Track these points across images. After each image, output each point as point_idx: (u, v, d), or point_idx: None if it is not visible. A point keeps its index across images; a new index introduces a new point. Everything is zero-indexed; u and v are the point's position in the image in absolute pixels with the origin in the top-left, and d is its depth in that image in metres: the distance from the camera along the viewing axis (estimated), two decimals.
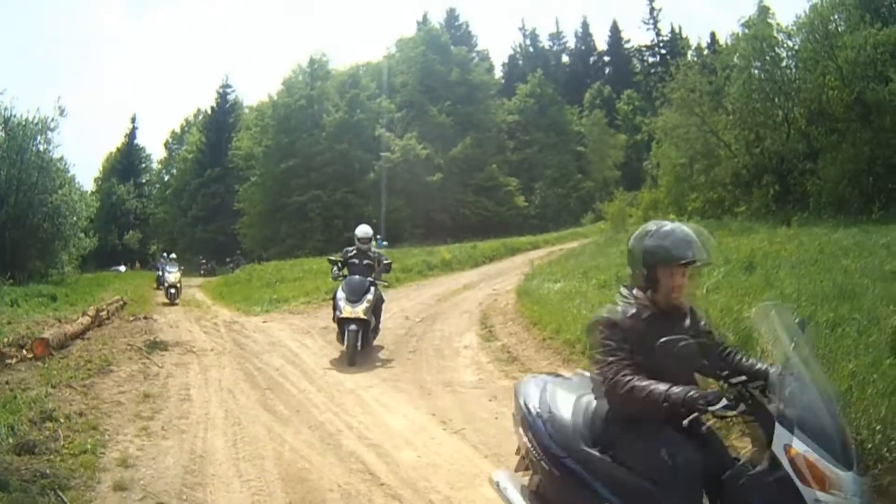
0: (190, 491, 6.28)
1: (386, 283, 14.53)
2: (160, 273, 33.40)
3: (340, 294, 12.58)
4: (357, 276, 12.75)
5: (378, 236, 52.72)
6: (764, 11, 33.85)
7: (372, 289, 12.64)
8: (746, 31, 32.74)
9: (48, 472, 6.16)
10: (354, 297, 12.33)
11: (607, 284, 14.28)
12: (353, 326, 12.04)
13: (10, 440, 6.96)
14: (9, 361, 11.37)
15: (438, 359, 12.01)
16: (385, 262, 13.79)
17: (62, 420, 7.91)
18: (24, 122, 38.52)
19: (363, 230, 13.56)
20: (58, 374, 10.45)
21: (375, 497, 6.19)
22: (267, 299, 23.01)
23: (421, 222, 60.34)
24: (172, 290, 26.96)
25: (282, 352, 13.34)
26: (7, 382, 9.93)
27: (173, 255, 31.84)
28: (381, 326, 13.50)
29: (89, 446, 7.12)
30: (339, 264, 13.35)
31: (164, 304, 25.33)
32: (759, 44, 30.99)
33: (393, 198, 59.61)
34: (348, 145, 61.34)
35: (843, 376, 6.46)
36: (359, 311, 12.19)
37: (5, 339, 13.59)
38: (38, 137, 39.16)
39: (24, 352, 12.15)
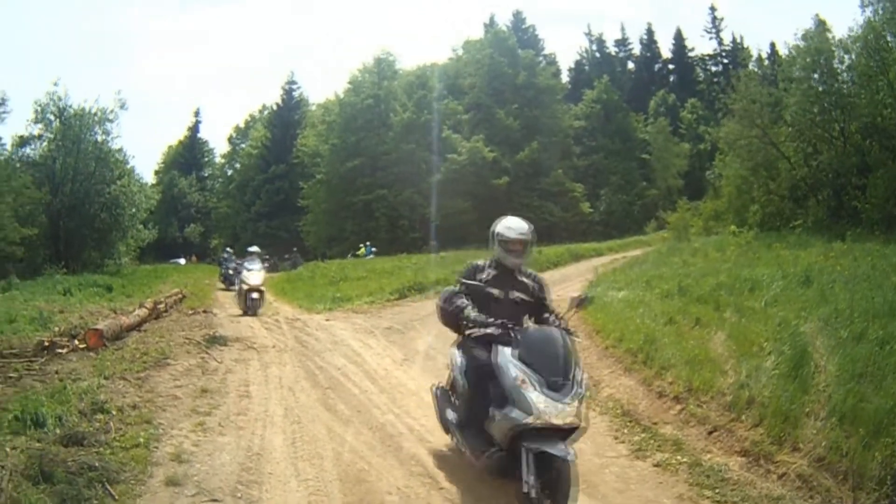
0: (245, 489, 6.30)
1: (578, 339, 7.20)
2: (225, 270, 34.39)
3: (512, 379, 5.75)
4: (537, 333, 6.17)
5: (367, 242, 52.74)
6: (821, 24, 33.94)
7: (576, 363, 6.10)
8: (804, 43, 32.53)
9: (97, 464, 6.17)
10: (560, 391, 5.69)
11: (670, 294, 14.12)
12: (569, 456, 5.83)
13: (58, 431, 6.98)
14: (59, 351, 11.44)
15: None
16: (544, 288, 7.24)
17: (114, 412, 7.95)
18: (80, 113, 39.16)
19: (519, 226, 6.92)
20: (111, 366, 10.51)
21: (434, 501, 6.21)
22: (330, 297, 23.17)
23: (486, 225, 58.61)
24: (255, 296, 20.60)
25: (344, 351, 13.25)
26: (57, 372, 9.99)
27: (255, 248, 23.32)
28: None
29: (142, 440, 7.15)
30: (464, 294, 6.79)
31: (238, 315, 20.44)
32: (816, 57, 30.76)
33: (458, 200, 59.38)
34: (415, 146, 61.40)
35: (889, 394, 6.76)
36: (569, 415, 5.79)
37: (56, 329, 13.77)
38: (97, 128, 39.87)
39: (77, 342, 12.23)
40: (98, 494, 5.76)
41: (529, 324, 6.61)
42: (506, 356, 5.91)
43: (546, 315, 6.82)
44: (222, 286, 33.72)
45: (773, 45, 68.15)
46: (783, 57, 41.45)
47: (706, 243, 28.02)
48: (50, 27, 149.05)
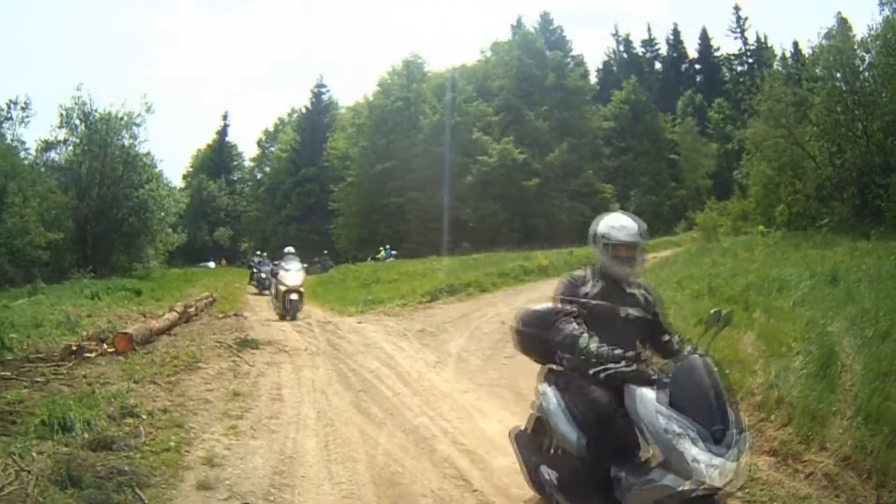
0: (278, 492, 6.27)
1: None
2: (258, 273, 34.46)
3: (663, 432, 4.52)
4: (684, 368, 4.78)
5: (387, 246, 52.80)
6: (843, 23, 33.81)
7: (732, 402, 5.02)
8: (827, 42, 32.42)
9: (126, 468, 6.15)
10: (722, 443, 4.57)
11: (701, 295, 14.10)
12: None
13: (86, 435, 7.00)
14: (88, 355, 11.45)
15: (534, 365, 11.71)
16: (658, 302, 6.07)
17: (144, 416, 7.98)
18: (106, 117, 39.26)
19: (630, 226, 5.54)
20: (141, 370, 10.56)
21: (468, 503, 6.21)
22: (361, 300, 23.21)
23: (517, 227, 60.58)
24: (293, 297, 19.94)
25: (376, 354, 13.30)
26: (85, 376, 9.99)
27: (291, 249, 22.86)
28: (478, 331, 13.43)
29: (173, 444, 7.13)
30: (573, 317, 5.34)
31: (273, 319, 20.26)
32: (839, 56, 30.63)
33: (489, 202, 60.06)
34: (445, 148, 61.21)
35: None
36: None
37: (84, 333, 13.84)
38: (124, 132, 39.92)
39: (105, 346, 12.22)
40: (128, 499, 5.71)
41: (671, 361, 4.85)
42: (648, 402, 4.53)
43: (667, 337, 5.34)
44: (255, 290, 33.69)
45: (796, 45, 68.12)
46: (806, 56, 41.53)
47: (735, 243, 28.03)
48: (75, 31, 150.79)
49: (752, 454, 6.16)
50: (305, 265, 23.53)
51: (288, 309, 19.81)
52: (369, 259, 50.90)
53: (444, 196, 57.79)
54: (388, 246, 52.65)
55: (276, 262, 23.52)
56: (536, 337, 5.73)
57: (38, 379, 9.63)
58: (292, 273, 20.68)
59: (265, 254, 38.78)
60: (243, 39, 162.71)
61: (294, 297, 20.06)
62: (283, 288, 20.31)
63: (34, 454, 6.27)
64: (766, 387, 7.81)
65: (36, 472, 5.79)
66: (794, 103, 32.21)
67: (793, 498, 6.03)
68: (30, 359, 11.00)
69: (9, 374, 9.75)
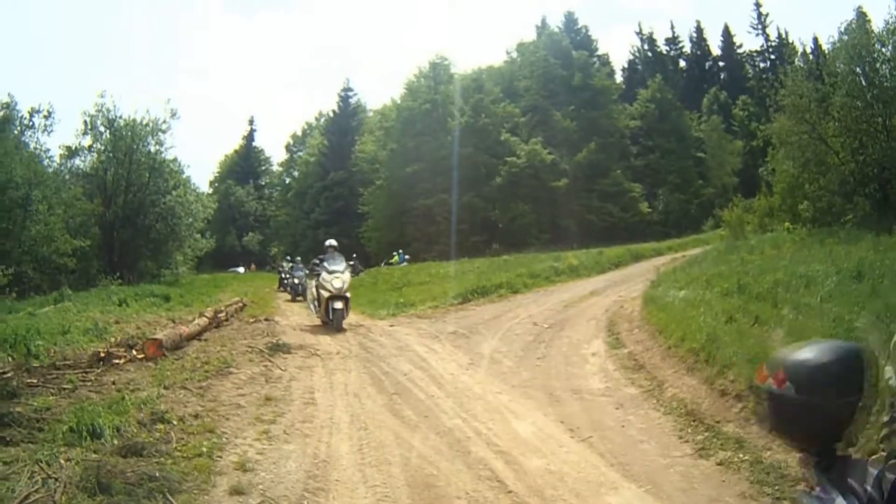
0: (312, 496, 6.25)
1: None
2: (290, 279, 33.85)
3: None
4: None
5: (400, 250, 52.91)
6: (862, 17, 33.66)
7: None
8: (846, 37, 32.32)
9: (157, 474, 6.10)
10: None
11: (730, 292, 14.13)
12: None
13: (116, 442, 6.99)
14: (116, 362, 11.46)
15: (566, 365, 12.00)
16: None
17: (175, 422, 7.99)
18: (131, 123, 39.60)
19: None
20: (171, 376, 10.62)
21: None
22: (393, 303, 23.15)
23: (547, 228, 61.06)
24: (338, 306, 17.48)
25: (409, 356, 13.28)
26: (114, 383, 10.03)
27: (333, 242, 19.58)
28: (510, 332, 13.35)
29: (205, 449, 7.15)
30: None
31: (317, 325, 18.66)
32: (858, 50, 30.47)
33: (518, 203, 60.62)
34: (473, 149, 62.07)
35: None
36: None
37: (112, 339, 13.85)
38: (149, 139, 40.23)
39: (134, 352, 12.27)
40: None
41: None
42: None
43: None
44: (288, 297, 32.55)
45: (815, 40, 68.16)
46: (826, 51, 41.49)
47: (762, 240, 28.15)
48: (98, 38, 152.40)
49: (782, 451, 6.56)
50: (351, 263, 20.30)
51: (332, 319, 17.37)
52: (383, 264, 51.38)
53: (474, 198, 58.40)
54: (401, 251, 53.90)
55: (319, 259, 18.94)
56: (819, 409, 2.86)
57: (65, 386, 9.62)
58: (337, 275, 17.70)
59: (299, 258, 37.66)
60: (269, 44, 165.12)
61: (339, 304, 17.49)
62: (325, 293, 17.66)
63: (62, 461, 6.26)
64: None
65: (63, 479, 5.76)
66: (817, 99, 32.13)
67: None
68: (57, 366, 10.97)
69: (35, 381, 9.74)
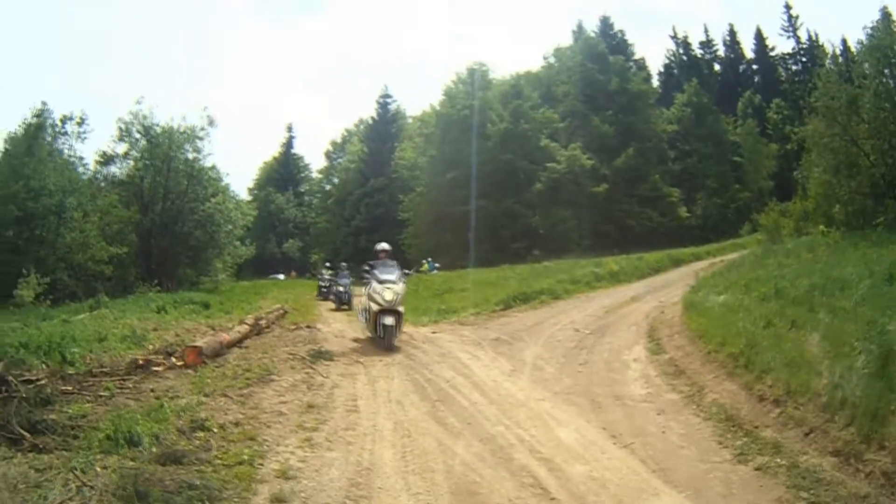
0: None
1: None
2: (330, 284, 33.70)
3: None
4: None
5: (429, 258, 52.81)
6: (887, 18, 33.95)
7: None
8: (872, 38, 32.10)
9: (197, 482, 6.12)
10: None
11: (768, 297, 14.23)
12: None
13: (154, 449, 7.01)
14: (155, 369, 11.45)
15: (608, 372, 12.09)
16: None
17: (216, 430, 8.07)
18: (168, 130, 40.18)
19: None
20: (212, 383, 10.75)
21: None
22: (435, 310, 23.22)
23: (587, 233, 61.02)
24: (388, 322, 15.23)
25: (452, 363, 13.29)
26: (153, 390, 10.05)
27: (385, 246, 18.13)
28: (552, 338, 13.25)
29: (246, 457, 7.18)
30: None
31: (361, 340, 17.47)
32: (884, 51, 30.24)
33: (558, 208, 60.96)
34: (513, 155, 62.59)
35: None
36: None
37: (151, 346, 13.90)
38: (187, 146, 40.61)
39: (173, 360, 12.27)
40: None
41: None
42: None
43: None
44: (332, 306, 30.73)
45: (844, 42, 67.94)
46: (854, 53, 41.37)
47: (798, 244, 27.97)
48: (135, 46, 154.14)
49: (818, 455, 6.91)
50: (406, 271, 17.88)
51: (382, 335, 15.33)
52: (413, 271, 51.64)
53: (514, 204, 58.90)
54: (430, 259, 53.99)
55: (370, 265, 16.72)
56: None
57: (101, 393, 9.60)
58: (389, 287, 15.57)
59: (344, 264, 36.79)
60: (307, 52, 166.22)
61: (389, 320, 15.20)
62: (374, 307, 15.48)
63: (97, 469, 6.24)
64: (830, 387, 7.78)
65: (99, 487, 5.73)
66: (847, 101, 31.92)
67: (853, 497, 6.05)
68: (93, 373, 10.93)
69: (70, 388, 9.69)
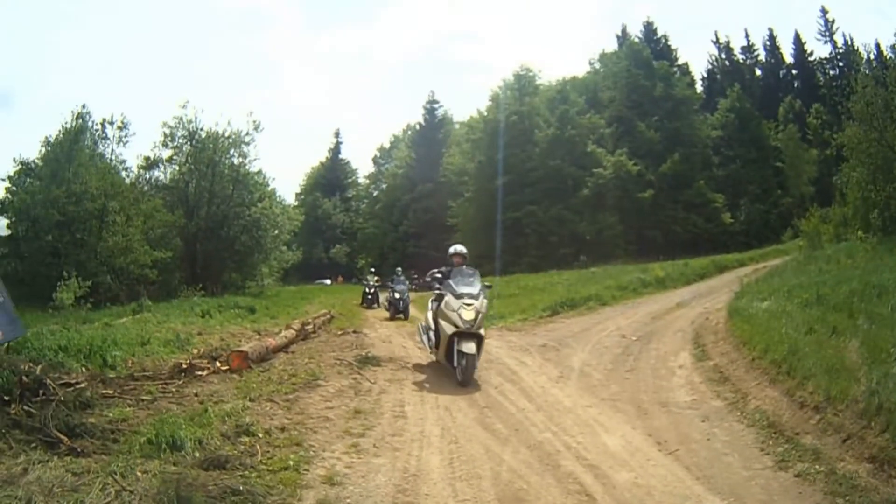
0: None
1: None
2: (372, 292, 33.43)
3: None
4: None
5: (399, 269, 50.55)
6: None
7: None
8: None
9: (241, 488, 6.11)
10: None
11: (809, 303, 14.23)
12: None
13: (197, 454, 6.99)
14: (199, 374, 11.46)
15: (654, 378, 12.16)
16: None
17: (261, 435, 8.03)
18: (213, 135, 40.64)
19: None
20: (257, 388, 10.75)
21: None
22: None
23: (633, 239, 61.84)
24: (468, 349, 11.78)
25: (499, 369, 13.29)
26: (196, 395, 10.05)
27: (460, 248, 12.31)
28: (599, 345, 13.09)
29: (291, 462, 7.15)
30: None
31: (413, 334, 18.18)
32: None
33: (605, 214, 61.70)
34: (561, 161, 63.34)
35: None
36: None
37: (195, 351, 13.88)
38: (233, 151, 40.86)
39: (218, 364, 12.29)
40: None
41: None
42: None
43: None
44: (383, 313, 28.78)
45: (878, 46, 68.11)
46: (887, 57, 41.24)
47: (837, 250, 28.33)
48: (183, 52, 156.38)
49: (854, 461, 6.96)
50: (488, 284, 13.71)
51: (456, 365, 11.94)
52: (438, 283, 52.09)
53: (562, 210, 59.59)
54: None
55: (439, 274, 13.57)
56: None
57: (143, 397, 9.65)
58: (468, 301, 12.16)
59: (399, 269, 32.40)
60: (355, 58, 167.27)
61: (470, 347, 11.78)
62: (448, 328, 12.08)
63: (138, 473, 6.19)
64: (868, 394, 7.79)
65: (139, 492, 5.69)
66: (883, 105, 31.62)
67: (886, 503, 6.11)
68: (135, 377, 10.96)
69: (111, 392, 9.72)
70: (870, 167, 31.99)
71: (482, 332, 12.32)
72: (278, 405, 9.71)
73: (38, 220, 32.62)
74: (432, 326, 13.24)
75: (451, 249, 14.03)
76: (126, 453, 6.90)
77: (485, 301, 12.63)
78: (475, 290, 12.50)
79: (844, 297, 13.69)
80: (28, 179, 35.27)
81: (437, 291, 13.30)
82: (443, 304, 12.47)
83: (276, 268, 45.46)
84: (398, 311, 27.12)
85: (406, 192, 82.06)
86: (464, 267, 13.29)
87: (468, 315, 11.95)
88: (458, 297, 12.22)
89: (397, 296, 27.32)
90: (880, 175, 31.42)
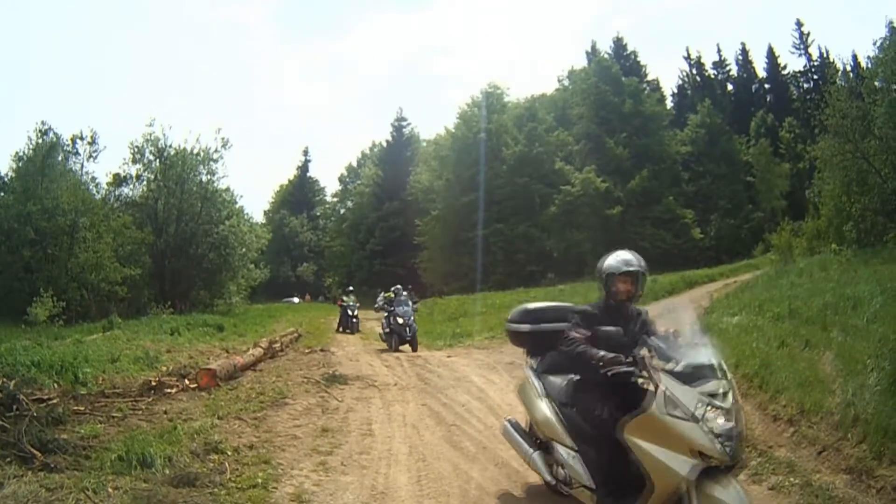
0: None
1: None
2: (354, 314, 30.05)
3: None
4: None
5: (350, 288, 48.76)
6: (895, 31, 33.67)
7: None
8: (881, 54, 32.25)
9: None
10: None
11: (781, 317, 14.62)
12: None
13: (167, 471, 7.03)
14: (168, 391, 11.45)
15: None
16: None
17: (229, 452, 8.06)
18: (181, 152, 40.60)
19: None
20: (225, 406, 10.75)
21: None
22: (450, 333, 23.54)
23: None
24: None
25: (467, 387, 13.41)
26: (166, 412, 10.03)
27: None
28: None
29: (260, 480, 7.17)
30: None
31: (381, 352, 19.41)
32: (893, 66, 30.34)
33: (573, 231, 61.58)
34: (528, 178, 63.35)
35: None
36: None
37: (164, 368, 13.92)
38: (201, 168, 40.82)
39: (187, 382, 12.26)
40: None
41: None
42: None
43: None
44: (381, 344, 23.28)
45: (855, 57, 67.58)
46: (864, 68, 41.46)
47: (810, 263, 28.32)
48: (149, 68, 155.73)
49: (830, 472, 7.09)
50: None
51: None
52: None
53: (529, 227, 60.05)
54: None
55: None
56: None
57: (114, 414, 9.63)
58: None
59: (399, 286, 24.98)
60: (323, 74, 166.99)
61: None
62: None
63: (109, 489, 6.22)
64: (843, 405, 7.99)
65: None
66: (859, 117, 32.13)
67: None
68: (106, 394, 10.94)
69: (82, 408, 9.70)
70: (844, 179, 32.36)
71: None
72: (247, 423, 9.74)
73: (10, 235, 32.69)
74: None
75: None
76: (98, 469, 6.88)
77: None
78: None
79: (818, 309, 13.91)
80: (1, 193, 35.17)
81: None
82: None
83: (244, 286, 45.15)
84: (403, 340, 21.70)
85: (373, 211, 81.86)
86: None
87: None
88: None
89: (401, 321, 21.69)
90: (855, 187, 31.80)
